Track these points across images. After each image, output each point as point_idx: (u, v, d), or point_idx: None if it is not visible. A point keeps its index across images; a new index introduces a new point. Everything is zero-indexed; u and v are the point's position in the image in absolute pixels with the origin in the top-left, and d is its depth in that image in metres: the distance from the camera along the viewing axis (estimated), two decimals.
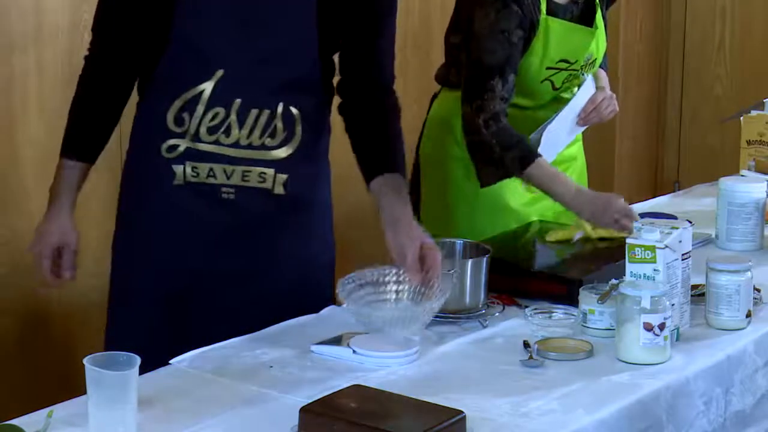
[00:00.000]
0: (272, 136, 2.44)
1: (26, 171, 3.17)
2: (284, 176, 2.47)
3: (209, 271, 2.47)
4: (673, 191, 4.37)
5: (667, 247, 2.28)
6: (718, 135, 5.29)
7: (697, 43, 5.52)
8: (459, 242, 2.58)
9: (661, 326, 2.20)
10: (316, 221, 2.57)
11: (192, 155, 2.43)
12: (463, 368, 2.20)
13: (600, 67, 3.24)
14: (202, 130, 2.42)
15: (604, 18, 3.18)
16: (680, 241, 2.33)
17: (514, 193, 3.12)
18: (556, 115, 3.08)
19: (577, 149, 3.32)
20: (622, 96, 5.17)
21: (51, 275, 2.48)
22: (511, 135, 2.92)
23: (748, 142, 3.32)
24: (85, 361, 1.80)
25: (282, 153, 2.46)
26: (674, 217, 2.94)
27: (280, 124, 2.44)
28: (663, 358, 2.22)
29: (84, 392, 1.82)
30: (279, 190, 2.47)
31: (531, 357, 2.22)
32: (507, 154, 2.90)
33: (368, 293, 2.34)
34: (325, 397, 1.95)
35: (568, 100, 3.11)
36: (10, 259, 3.16)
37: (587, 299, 2.36)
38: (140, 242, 2.51)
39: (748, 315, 2.43)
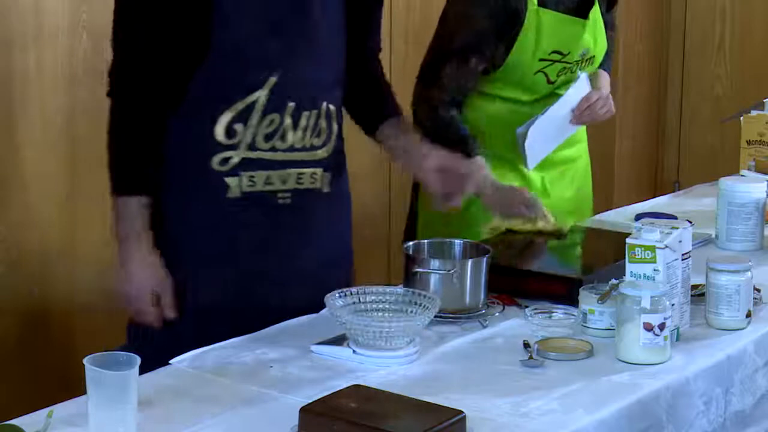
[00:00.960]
0: (318, 135, 2.46)
1: (26, 171, 3.17)
2: (329, 174, 2.50)
3: (258, 275, 2.44)
4: (673, 191, 4.37)
5: (667, 247, 2.27)
6: (718, 135, 5.30)
7: (697, 43, 5.52)
8: (459, 242, 2.57)
9: (661, 326, 2.20)
10: (345, 217, 2.62)
11: (248, 165, 2.40)
12: (463, 368, 2.20)
13: (602, 68, 3.24)
14: (259, 138, 2.40)
15: (603, 17, 3.18)
16: (680, 241, 2.32)
17: None
18: (546, 110, 3.08)
19: (578, 150, 3.32)
20: (621, 95, 5.18)
21: (156, 321, 2.41)
22: (454, 129, 2.99)
23: (748, 142, 3.32)
24: (85, 361, 1.80)
25: (325, 152, 2.48)
26: (674, 217, 2.94)
27: (324, 123, 2.46)
28: (663, 358, 2.22)
29: (84, 392, 1.82)
30: (326, 188, 2.49)
31: (531, 357, 2.22)
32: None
33: (357, 309, 2.30)
34: (325, 397, 1.95)
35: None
36: (10, 258, 3.15)
37: (587, 299, 2.36)
38: (187, 257, 2.44)
39: (748, 315, 2.43)
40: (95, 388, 1.80)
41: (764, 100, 3.42)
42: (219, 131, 2.38)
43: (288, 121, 2.41)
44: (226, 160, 2.39)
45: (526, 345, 2.27)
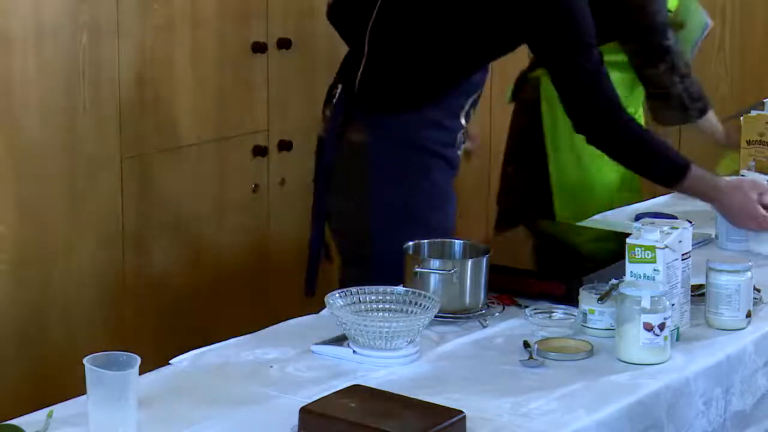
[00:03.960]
0: None
1: (26, 171, 3.17)
2: None
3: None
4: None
5: (667, 247, 2.28)
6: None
7: None
8: (459, 242, 2.58)
9: (661, 326, 2.20)
10: None
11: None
12: (463, 368, 2.20)
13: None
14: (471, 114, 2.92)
15: None
16: (680, 241, 2.33)
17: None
18: None
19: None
20: None
21: None
22: (698, 88, 3.59)
23: (748, 142, 3.31)
24: (85, 361, 1.81)
25: None
26: (674, 217, 2.94)
27: None
28: (663, 358, 2.22)
29: (84, 392, 1.82)
30: None
31: (531, 357, 2.22)
32: (694, 104, 3.57)
33: (357, 309, 2.30)
34: (325, 397, 1.95)
35: None
36: (10, 258, 3.15)
37: (587, 299, 2.36)
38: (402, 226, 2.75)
39: (748, 315, 2.43)
40: (95, 388, 1.80)
41: (764, 100, 3.41)
42: (462, 115, 2.86)
43: None
44: (461, 139, 2.90)
45: (526, 345, 2.27)
